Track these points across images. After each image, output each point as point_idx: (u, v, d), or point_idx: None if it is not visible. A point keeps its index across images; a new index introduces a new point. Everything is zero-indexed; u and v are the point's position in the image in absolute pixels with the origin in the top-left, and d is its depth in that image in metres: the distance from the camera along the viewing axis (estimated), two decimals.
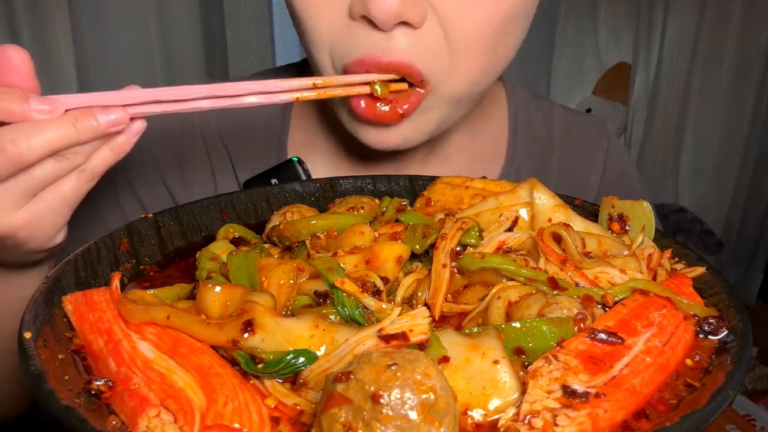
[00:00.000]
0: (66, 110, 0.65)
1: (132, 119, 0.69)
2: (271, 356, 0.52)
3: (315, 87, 0.78)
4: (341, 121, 0.94)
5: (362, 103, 0.83)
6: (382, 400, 0.42)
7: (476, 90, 0.90)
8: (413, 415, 0.42)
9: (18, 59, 0.64)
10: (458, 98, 0.88)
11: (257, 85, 0.74)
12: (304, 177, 0.98)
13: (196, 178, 1.06)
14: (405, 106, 0.84)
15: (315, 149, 1.07)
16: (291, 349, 0.53)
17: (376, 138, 0.89)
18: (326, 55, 0.85)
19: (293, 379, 0.53)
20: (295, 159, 0.99)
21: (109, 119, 0.66)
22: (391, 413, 0.42)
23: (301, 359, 0.52)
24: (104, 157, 0.69)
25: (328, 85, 0.79)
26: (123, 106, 0.68)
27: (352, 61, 0.82)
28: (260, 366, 0.52)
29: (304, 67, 1.13)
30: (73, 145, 0.66)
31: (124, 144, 0.70)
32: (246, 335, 0.52)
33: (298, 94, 0.77)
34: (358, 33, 0.80)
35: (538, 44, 3.01)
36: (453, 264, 0.65)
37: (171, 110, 0.71)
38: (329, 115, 1.05)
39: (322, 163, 1.06)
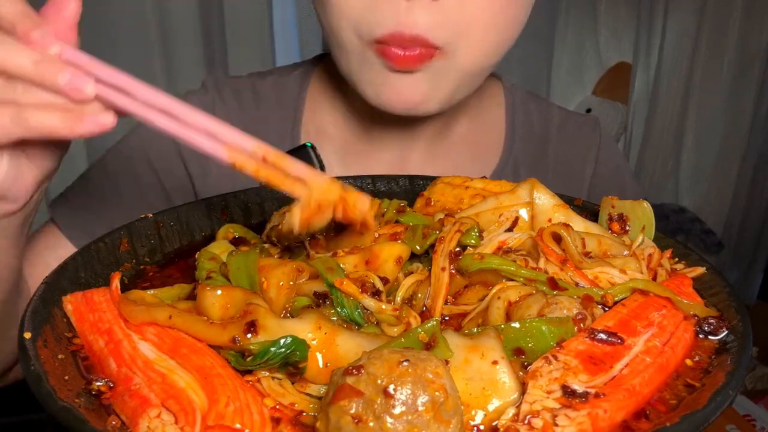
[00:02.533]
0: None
1: (104, 107, 0.59)
2: (259, 347, 0.52)
3: (264, 160, 0.63)
4: (360, 90, 0.96)
5: (393, 50, 0.87)
6: (394, 395, 0.42)
7: (486, 64, 0.95)
8: (424, 411, 0.43)
9: (67, 10, 0.60)
10: (470, 69, 0.93)
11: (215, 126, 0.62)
12: (316, 162, 1.01)
13: (214, 160, 1.08)
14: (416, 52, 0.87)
15: (326, 137, 1.11)
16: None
17: (397, 96, 0.92)
18: (350, 29, 0.89)
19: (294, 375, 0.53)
20: (309, 144, 1.02)
21: (71, 82, 0.58)
22: (403, 408, 0.42)
23: (287, 341, 0.52)
24: (49, 121, 0.59)
25: (276, 164, 0.63)
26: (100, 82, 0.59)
27: (381, 35, 0.87)
28: (249, 359, 0.52)
29: (314, 64, 1.15)
30: (21, 77, 0.58)
31: (79, 128, 0.59)
32: (249, 336, 0.52)
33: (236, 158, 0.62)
34: (385, 5, 0.85)
35: (538, 44, 3.01)
36: (452, 267, 0.65)
37: (132, 111, 0.60)
38: (340, 105, 1.10)
39: (332, 150, 1.09)
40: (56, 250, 0.99)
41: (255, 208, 0.88)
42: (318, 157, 1.02)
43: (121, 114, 0.61)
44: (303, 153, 1.02)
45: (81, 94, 0.59)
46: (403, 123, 1.06)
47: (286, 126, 1.10)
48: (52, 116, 0.59)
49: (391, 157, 1.09)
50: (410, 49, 0.87)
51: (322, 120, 1.11)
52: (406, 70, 0.89)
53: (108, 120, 0.60)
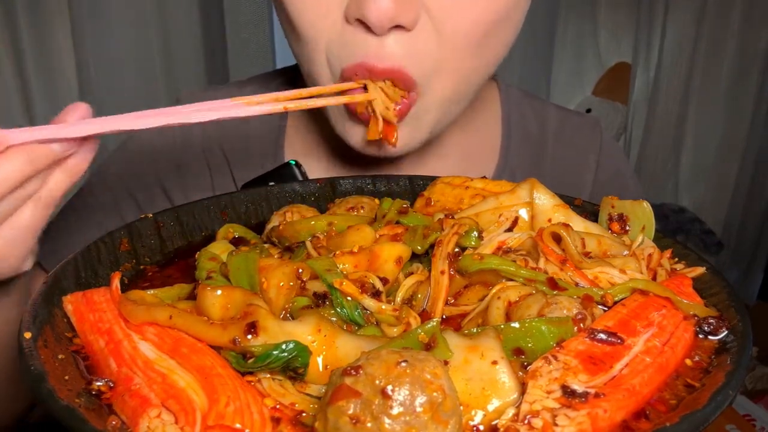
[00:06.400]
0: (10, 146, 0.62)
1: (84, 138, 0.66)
2: (261, 349, 0.52)
3: (310, 96, 0.74)
4: (341, 137, 0.94)
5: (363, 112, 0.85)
6: (392, 395, 0.42)
7: (465, 89, 0.91)
8: (422, 412, 0.42)
9: None
10: (448, 98, 0.90)
11: (240, 99, 0.70)
12: (301, 179, 0.98)
13: (195, 184, 1.07)
14: (398, 107, 0.85)
15: (311, 154, 1.08)
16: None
17: (376, 148, 0.90)
18: (322, 58, 0.86)
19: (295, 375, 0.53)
20: (293, 162, 1.00)
21: (63, 145, 0.64)
22: (401, 409, 0.42)
23: (289, 346, 0.52)
24: (59, 181, 0.66)
25: (322, 92, 0.75)
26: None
27: (348, 66, 0.83)
28: (250, 361, 0.52)
29: (294, 75, 1.14)
30: (27, 179, 0.63)
31: (78, 164, 0.66)
32: (249, 337, 0.52)
33: (284, 104, 0.72)
34: (353, 37, 0.82)
35: (538, 44, 3.01)
36: (452, 269, 0.65)
37: (119, 130, 0.67)
38: (325, 120, 1.06)
39: (318, 167, 1.07)
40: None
41: (255, 208, 0.88)
42: (304, 174, 0.99)
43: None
44: (286, 171, 0.99)
45: (73, 147, 0.65)
46: None
47: (269, 140, 1.07)
48: (57, 176, 0.66)
49: (379, 171, 1.05)
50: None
51: (307, 132, 1.08)
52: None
53: (94, 145, 0.66)
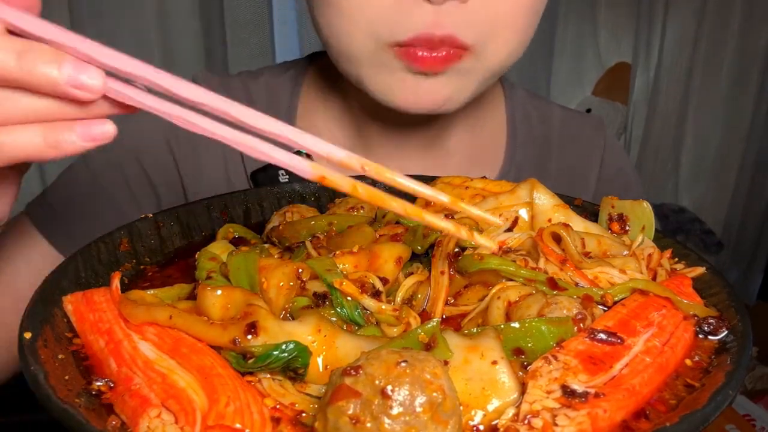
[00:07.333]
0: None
1: (105, 100, 0.46)
2: (261, 350, 0.52)
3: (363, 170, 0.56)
4: (370, 91, 0.92)
5: (420, 53, 0.84)
6: (391, 395, 0.42)
7: (510, 62, 0.94)
8: (422, 412, 0.43)
9: None
10: (495, 67, 0.92)
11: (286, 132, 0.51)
12: None
13: (208, 164, 1.06)
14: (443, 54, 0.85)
15: (324, 128, 1.08)
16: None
17: (414, 98, 0.89)
18: (365, 33, 0.85)
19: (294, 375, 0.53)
20: (303, 153, 1.00)
21: (74, 77, 0.43)
22: (400, 409, 0.42)
23: (289, 346, 0.51)
24: (29, 146, 0.46)
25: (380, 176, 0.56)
26: (105, 73, 0.44)
27: (403, 40, 0.83)
28: (250, 361, 0.52)
29: (307, 65, 1.14)
30: (12, 76, 0.44)
31: (67, 147, 0.46)
32: (249, 337, 0.52)
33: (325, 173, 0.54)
34: (408, 9, 0.82)
35: (538, 44, 3.00)
36: (451, 269, 0.65)
37: (153, 108, 0.47)
38: (333, 112, 1.07)
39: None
40: (31, 254, 0.99)
41: (255, 208, 0.88)
42: None
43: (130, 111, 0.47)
44: None
45: (87, 94, 0.43)
46: (399, 130, 1.04)
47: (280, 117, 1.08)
48: (32, 135, 0.45)
49: (387, 161, 1.07)
50: (438, 50, 0.83)
51: (315, 127, 1.08)
52: (431, 72, 0.86)
53: (108, 130, 0.46)
